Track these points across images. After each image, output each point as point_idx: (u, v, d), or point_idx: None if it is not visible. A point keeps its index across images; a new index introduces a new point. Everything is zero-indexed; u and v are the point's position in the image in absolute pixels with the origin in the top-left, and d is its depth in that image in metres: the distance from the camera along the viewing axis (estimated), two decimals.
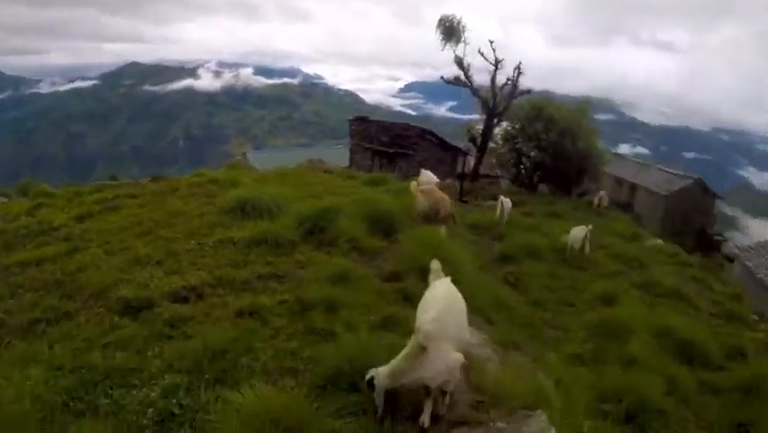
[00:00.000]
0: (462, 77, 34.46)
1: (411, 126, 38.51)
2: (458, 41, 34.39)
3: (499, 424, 4.85)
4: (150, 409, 4.75)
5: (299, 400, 4.52)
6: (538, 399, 5.35)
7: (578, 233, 16.90)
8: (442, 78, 34.98)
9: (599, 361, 9.15)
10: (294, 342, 6.04)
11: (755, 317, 16.28)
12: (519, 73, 33.93)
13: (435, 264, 5.70)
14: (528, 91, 34.85)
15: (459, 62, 34.23)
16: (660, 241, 24.80)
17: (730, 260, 29.00)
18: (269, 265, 8.25)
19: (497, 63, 34.00)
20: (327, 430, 4.34)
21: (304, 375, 5.32)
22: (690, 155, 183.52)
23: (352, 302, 6.81)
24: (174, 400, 4.83)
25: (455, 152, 38.62)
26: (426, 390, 4.42)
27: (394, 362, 4.28)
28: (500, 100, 34.58)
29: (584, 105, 36.95)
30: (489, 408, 5.02)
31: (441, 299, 4.77)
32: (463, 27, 34.47)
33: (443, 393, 4.63)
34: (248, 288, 7.48)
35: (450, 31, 34.41)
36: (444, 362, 4.33)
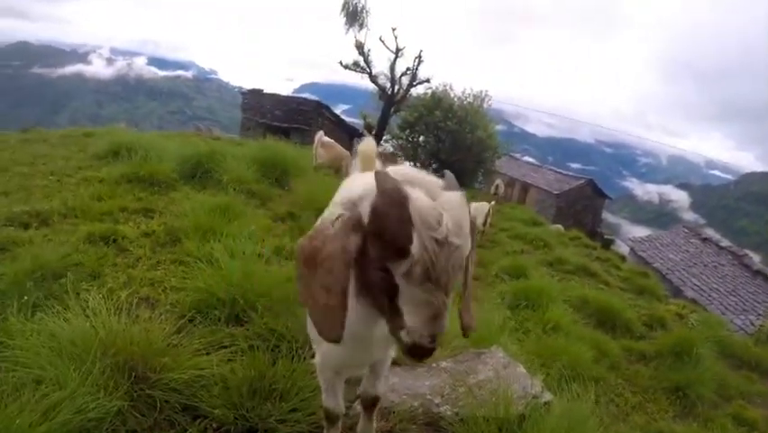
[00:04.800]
0: (362, 62, 33.23)
1: (307, 101, 36.08)
2: (361, 27, 33.18)
3: (444, 363, 3.79)
4: None
5: (150, 332, 3.20)
6: (481, 342, 4.38)
7: (480, 208, 16.05)
8: (340, 62, 33.43)
9: (524, 330, 8.22)
10: (158, 272, 4.75)
11: (667, 293, 15.99)
12: (420, 61, 32.96)
13: (367, 146, 3.32)
14: (428, 80, 33.85)
15: (359, 47, 32.87)
16: (560, 226, 24.60)
17: (622, 258, 29.55)
18: (138, 201, 6.89)
19: (397, 51, 32.94)
20: (188, 367, 3.06)
21: (164, 306, 4.01)
22: (575, 165, 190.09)
23: (236, 233, 5.37)
24: None
25: (353, 132, 35.96)
26: None
27: None
28: (399, 88, 33.65)
29: (482, 95, 36.31)
30: None
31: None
32: (367, 12, 33.27)
33: None
34: (107, 219, 6.07)
35: (353, 15, 33.18)
36: None
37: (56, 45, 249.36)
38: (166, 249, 5.30)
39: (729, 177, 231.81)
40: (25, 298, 3.72)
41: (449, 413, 3.28)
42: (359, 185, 2.10)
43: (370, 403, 2.73)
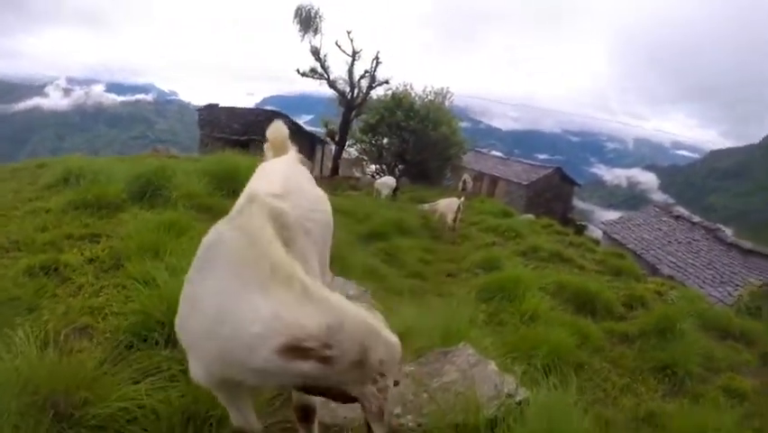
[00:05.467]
0: (319, 68, 32.96)
1: (263, 111, 36.07)
2: (315, 32, 32.91)
3: (407, 367, 3.52)
4: None
5: (78, 364, 2.98)
6: (450, 339, 4.12)
7: (450, 203, 16.24)
8: (297, 70, 33.18)
9: (499, 322, 8.10)
10: (100, 298, 4.47)
11: (644, 272, 15.97)
12: (378, 63, 32.80)
13: (276, 131, 3.56)
14: (387, 81, 33.64)
15: (315, 52, 32.65)
16: (531, 216, 24.58)
17: (596, 242, 29.71)
18: (85, 227, 6.58)
19: (354, 54, 32.79)
20: (116, 398, 2.81)
21: (103, 334, 3.78)
22: (542, 156, 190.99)
23: (181, 250, 5.12)
24: None
25: (312, 139, 36.54)
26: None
27: None
28: (358, 92, 33.47)
29: (444, 92, 36.14)
30: None
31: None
32: (320, 17, 32.98)
33: None
34: (51, 249, 5.77)
35: (307, 21, 32.89)
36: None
37: (9, 80, 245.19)
38: (110, 274, 5.05)
39: (695, 155, 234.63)
40: None
41: (411, 424, 3.04)
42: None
43: (303, 415, 2.47)
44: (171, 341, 3.48)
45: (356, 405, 1.95)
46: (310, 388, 1.90)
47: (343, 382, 1.83)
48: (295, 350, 1.73)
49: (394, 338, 1.90)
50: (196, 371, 2.05)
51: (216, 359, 1.90)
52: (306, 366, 1.75)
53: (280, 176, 2.75)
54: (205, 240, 2.09)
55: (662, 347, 8.50)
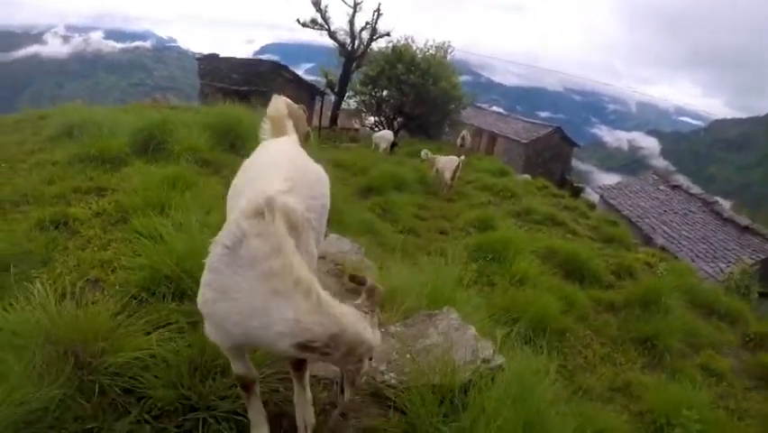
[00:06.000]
0: (319, 19, 32.81)
1: (264, 62, 35.99)
2: None
3: (394, 327, 3.80)
4: None
5: (93, 316, 3.20)
6: (437, 300, 4.37)
7: (450, 161, 16.13)
8: (297, 20, 33.03)
9: (487, 283, 8.39)
10: (108, 252, 4.69)
11: (637, 241, 16.12)
12: (379, 15, 32.69)
13: (276, 109, 3.55)
14: (388, 33, 33.53)
15: (316, 3, 32.43)
16: (528, 176, 24.58)
17: (592, 206, 29.74)
18: (90, 180, 6.77)
19: (355, 5, 32.66)
20: (129, 348, 3.07)
21: (113, 287, 4.00)
22: (544, 114, 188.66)
23: (186, 205, 5.29)
24: None
25: (312, 90, 35.90)
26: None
27: None
28: (359, 44, 33.47)
29: (445, 46, 35.76)
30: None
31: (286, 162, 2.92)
32: None
33: None
34: (59, 202, 5.99)
35: None
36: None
37: (7, 28, 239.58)
38: (117, 227, 5.23)
39: (699, 123, 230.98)
40: None
41: (393, 382, 3.28)
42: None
43: (297, 366, 2.79)
44: (178, 295, 3.76)
45: None
46: None
47: (332, 364, 2.59)
48: (306, 347, 2.21)
49: (373, 340, 2.43)
50: (215, 336, 2.45)
51: (239, 337, 2.34)
52: (310, 355, 2.38)
53: (285, 167, 2.79)
54: (230, 234, 2.28)
55: (646, 319, 8.70)
